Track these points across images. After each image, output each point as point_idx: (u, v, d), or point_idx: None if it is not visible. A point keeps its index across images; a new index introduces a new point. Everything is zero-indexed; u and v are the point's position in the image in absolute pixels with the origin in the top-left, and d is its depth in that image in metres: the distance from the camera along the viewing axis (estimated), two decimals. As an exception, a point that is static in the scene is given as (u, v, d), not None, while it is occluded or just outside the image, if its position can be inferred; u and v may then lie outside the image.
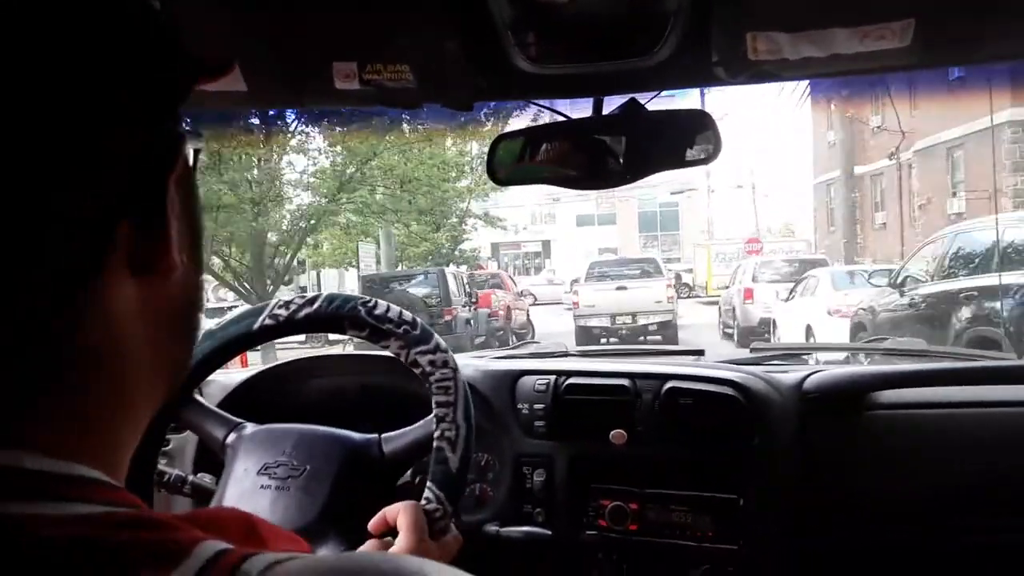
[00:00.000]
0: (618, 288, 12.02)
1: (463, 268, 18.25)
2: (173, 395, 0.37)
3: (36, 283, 0.28)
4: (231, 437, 0.90)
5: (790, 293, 9.87)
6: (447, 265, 18.74)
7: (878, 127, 16.20)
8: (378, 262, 14.99)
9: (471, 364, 1.20)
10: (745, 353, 1.46)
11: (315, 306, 0.90)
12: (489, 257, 32.47)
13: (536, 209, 32.34)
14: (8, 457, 0.27)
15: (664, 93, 1.16)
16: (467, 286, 12.02)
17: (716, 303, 14.37)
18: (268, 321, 0.91)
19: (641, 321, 11.52)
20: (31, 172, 0.27)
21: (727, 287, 13.27)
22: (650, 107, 1.13)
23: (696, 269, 23.08)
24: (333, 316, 0.89)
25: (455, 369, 0.85)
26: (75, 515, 0.26)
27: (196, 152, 0.37)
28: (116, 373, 0.31)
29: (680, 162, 1.15)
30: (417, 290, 10.96)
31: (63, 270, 0.28)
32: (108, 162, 0.29)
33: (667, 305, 11.84)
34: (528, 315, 15.18)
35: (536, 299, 22.18)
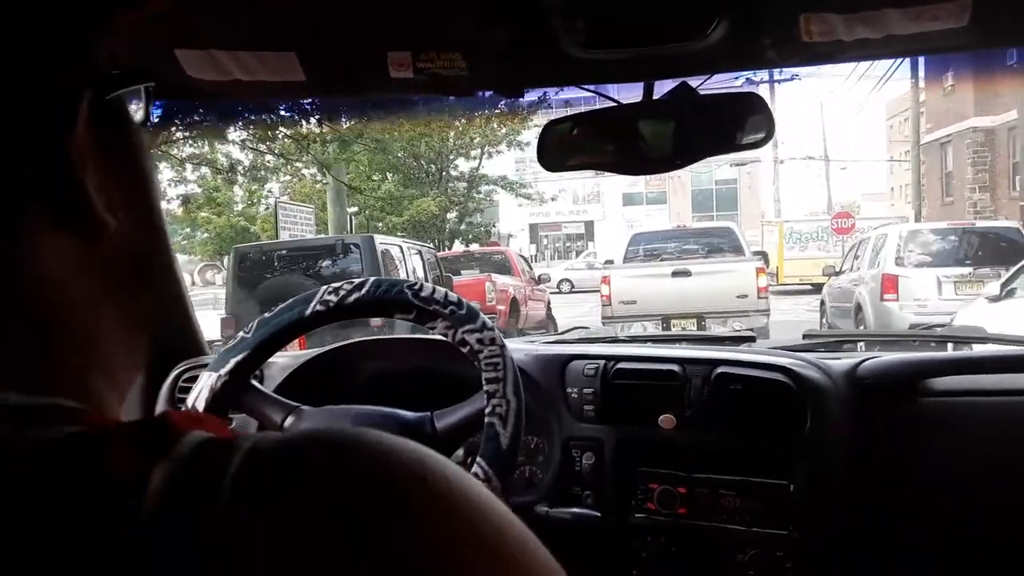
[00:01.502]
0: (675, 273, 8.22)
1: (457, 244, 15.38)
2: (146, 354, 0.40)
3: None
4: (289, 420, 0.98)
5: (1005, 287, 5.80)
6: (449, 242, 16.05)
7: (1013, 64, 12.46)
8: (326, 230, 12.13)
9: (521, 348, 1.27)
10: (798, 339, 1.52)
11: (363, 291, 0.97)
12: (529, 241, 32.33)
13: (579, 188, 32.07)
14: (44, 399, 0.30)
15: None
16: (437, 268, 8.88)
17: (796, 293, 11.31)
18: (319, 307, 0.98)
19: (714, 328, 7.58)
20: None
21: (836, 272, 9.56)
22: (701, 91, 1.20)
23: (767, 252, 19.98)
24: (381, 300, 0.97)
25: (503, 346, 0.91)
26: (59, 435, 0.28)
27: (147, 93, 0.37)
28: (70, 330, 0.33)
29: (732, 146, 1.21)
30: (329, 270, 7.54)
31: None
32: None
33: (757, 302, 7.98)
34: (549, 309, 11.83)
35: (573, 286, 20.49)
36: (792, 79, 17.78)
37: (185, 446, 0.27)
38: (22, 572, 0.24)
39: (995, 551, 1.11)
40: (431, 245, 10.58)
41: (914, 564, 1.13)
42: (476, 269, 11.23)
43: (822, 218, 19.72)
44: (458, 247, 14.93)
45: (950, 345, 1.65)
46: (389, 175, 16.00)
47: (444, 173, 16.63)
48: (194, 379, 1.04)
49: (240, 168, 12.03)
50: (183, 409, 0.99)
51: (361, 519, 0.25)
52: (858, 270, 8.87)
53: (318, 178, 12.48)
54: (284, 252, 8.13)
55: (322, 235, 11.23)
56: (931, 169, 18.05)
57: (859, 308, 8.31)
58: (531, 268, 12.71)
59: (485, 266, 11.34)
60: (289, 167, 13.23)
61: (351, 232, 12.46)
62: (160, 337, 1.25)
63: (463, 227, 17.07)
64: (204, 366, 1.06)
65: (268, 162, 12.40)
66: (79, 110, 0.32)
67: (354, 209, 15.00)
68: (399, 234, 13.83)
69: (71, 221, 0.32)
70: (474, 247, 14.74)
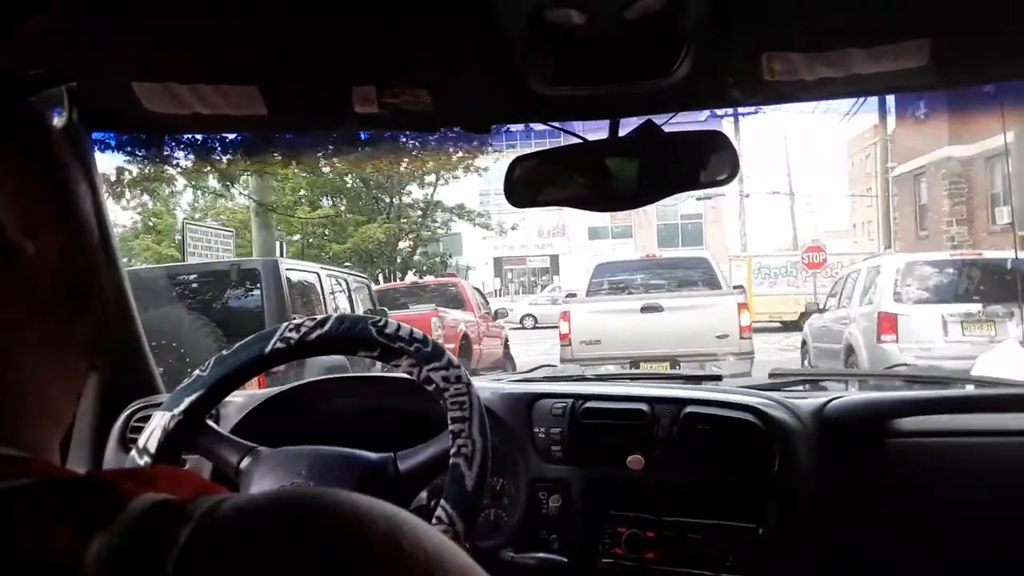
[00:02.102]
0: (645, 308, 7.48)
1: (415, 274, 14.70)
2: (85, 378, 0.38)
3: None
4: (245, 461, 0.95)
5: None
6: (401, 273, 15.36)
7: (988, 90, 12.18)
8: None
9: (487, 387, 1.25)
10: (764, 379, 1.55)
11: (326, 327, 0.96)
12: (493, 275, 32.39)
13: (544, 221, 32.32)
14: None
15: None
16: (370, 302, 8.04)
17: (766, 331, 9.89)
18: (279, 345, 0.97)
19: (687, 371, 5.01)
20: None
21: (820, 309, 8.98)
22: (667, 127, 1.23)
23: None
24: (344, 337, 0.96)
25: (468, 384, 0.91)
26: (5, 488, 0.27)
27: (71, 101, 0.35)
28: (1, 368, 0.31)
29: (696, 183, 1.23)
30: (218, 301, 6.30)
31: None
32: None
33: (740, 343, 7.24)
34: (507, 346, 11.14)
35: (537, 321, 20.06)
36: (756, 111, 18.25)
37: (131, 512, 0.25)
38: None
39: None
40: (363, 275, 9.62)
41: None
42: (427, 303, 10.18)
43: (792, 253, 19.46)
44: (412, 280, 14.33)
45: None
46: (331, 198, 15.43)
47: (395, 200, 16.16)
48: (146, 419, 1.02)
49: (161, 188, 11.65)
50: (133, 452, 0.97)
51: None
52: (846, 307, 8.08)
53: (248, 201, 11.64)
54: (163, 281, 6.44)
55: (217, 259, 9.74)
56: (904, 202, 17.61)
57: (851, 350, 7.42)
58: (487, 302, 12.01)
59: (436, 299, 10.43)
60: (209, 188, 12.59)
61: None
62: (111, 374, 1.22)
63: (417, 257, 16.47)
64: (157, 405, 1.04)
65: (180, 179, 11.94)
66: None
67: (296, 237, 14.45)
68: (346, 264, 13.08)
69: None
70: (428, 279, 14.02)
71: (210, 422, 1.03)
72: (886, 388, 1.68)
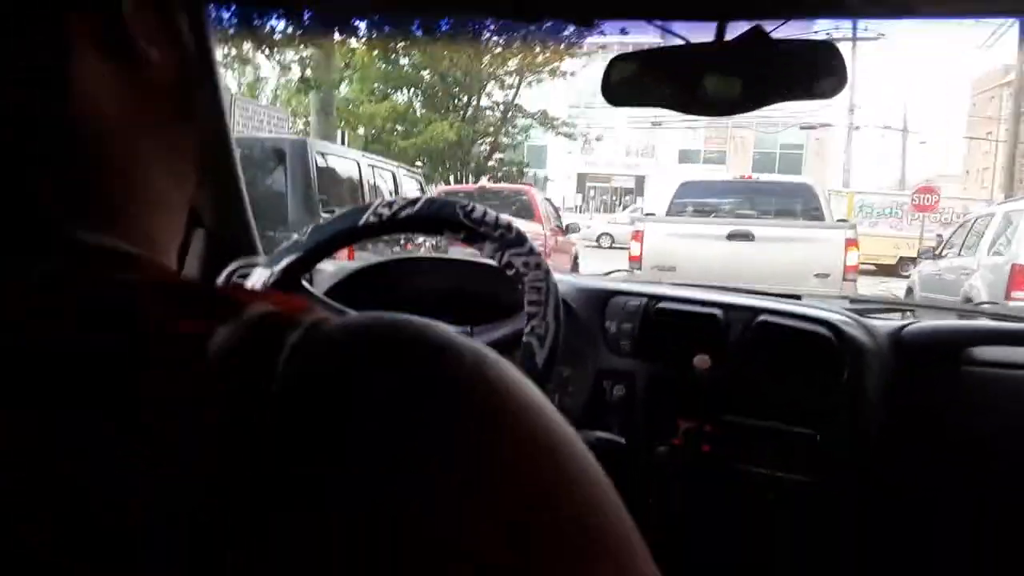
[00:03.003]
0: (732, 236, 6.64)
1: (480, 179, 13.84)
2: (197, 181, 0.42)
3: (16, 72, 0.32)
4: None
5: None
6: (474, 177, 14.70)
7: None
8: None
9: (566, 280, 1.31)
10: (844, 303, 1.58)
11: (416, 207, 1.02)
12: (575, 191, 31.94)
13: (632, 140, 31.53)
14: (82, 235, 0.32)
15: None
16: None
17: (861, 273, 8.39)
18: (371, 219, 1.04)
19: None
20: None
21: (935, 255, 8.07)
22: (775, 36, 1.23)
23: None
24: (432, 217, 1.02)
25: (548, 271, 0.96)
26: (133, 280, 0.30)
27: None
28: (119, 154, 0.35)
29: (801, 93, 1.25)
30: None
31: (38, 57, 0.32)
32: None
33: (843, 285, 6.28)
34: (575, 263, 10.57)
35: (614, 241, 19.44)
36: (877, 38, 17.10)
37: (249, 315, 0.28)
38: (86, 402, 0.26)
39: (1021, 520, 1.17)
40: (415, 170, 9.21)
41: (938, 526, 1.19)
42: (494, 209, 9.65)
43: (899, 192, 18.35)
44: (481, 184, 13.84)
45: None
46: (405, 91, 14.84)
47: (473, 100, 15.55)
48: (247, 276, 1.13)
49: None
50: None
51: (415, 415, 0.26)
52: (968, 255, 7.11)
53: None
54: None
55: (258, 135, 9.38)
56: None
57: (969, 304, 6.55)
58: (558, 215, 11.49)
59: (503, 207, 9.31)
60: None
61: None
62: (216, 232, 1.35)
63: (492, 163, 15.91)
64: (258, 265, 1.15)
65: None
66: None
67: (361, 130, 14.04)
68: (417, 164, 12.53)
69: (113, 47, 0.34)
70: (498, 185, 13.26)
71: (305, 284, 1.12)
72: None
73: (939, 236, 9.45)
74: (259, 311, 0.29)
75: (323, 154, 6.28)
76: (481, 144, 16.15)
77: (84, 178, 0.34)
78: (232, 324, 0.27)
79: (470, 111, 15.76)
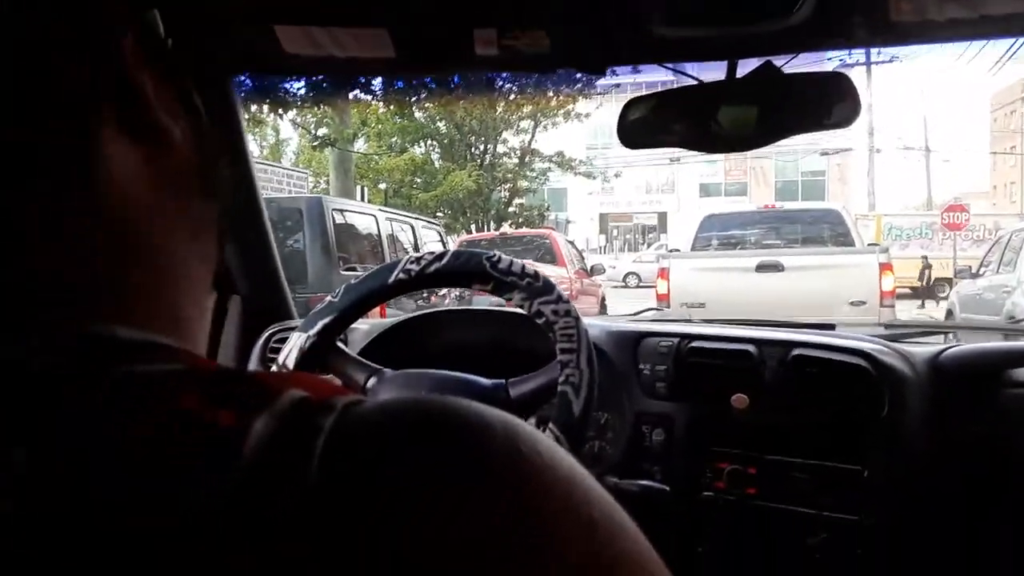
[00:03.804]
0: (761, 267, 6.58)
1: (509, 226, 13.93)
2: (219, 261, 0.42)
3: (44, 161, 0.32)
4: (371, 381, 1.06)
5: None
6: (495, 224, 14.85)
7: None
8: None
9: (595, 324, 1.32)
10: (880, 330, 1.57)
11: (443, 261, 1.04)
12: (598, 231, 32.00)
13: (652, 176, 31.66)
14: (104, 328, 0.32)
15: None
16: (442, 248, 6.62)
17: (899, 296, 8.35)
18: (401, 276, 1.06)
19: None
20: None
21: (973, 274, 7.97)
22: (786, 70, 1.25)
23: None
24: (460, 271, 1.04)
25: (577, 318, 0.97)
26: (165, 371, 0.30)
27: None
28: (145, 235, 0.35)
29: (815, 125, 1.26)
30: None
31: (65, 145, 0.32)
32: (74, 43, 0.32)
33: (881, 311, 6.12)
34: (603, 305, 10.48)
35: (640, 280, 19.43)
36: (891, 60, 17.15)
37: (283, 402, 0.29)
38: (129, 494, 0.26)
39: None
40: (434, 221, 9.26)
41: (989, 556, 1.16)
42: (516, 256, 9.59)
43: (927, 213, 18.04)
44: (502, 231, 13.89)
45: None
46: (423, 144, 15.05)
47: (489, 147, 15.68)
48: (284, 339, 1.16)
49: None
50: (274, 368, 1.10)
51: (453, 494, 0.26)
52: (1006, 272, 7.01)
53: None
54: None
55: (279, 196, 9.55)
56: None
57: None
58: (582, 257, 11.37)
59: (525, 252, 9.79)
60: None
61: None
62: (252, 298, 1.38)
63: (512, 209, 16.00)
64: (293, 328, 1.17)
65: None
66: (126, 15, 0.35)
67: (382, 185, 14.25)
68: (438, 215, 12.61)
69: (136, 127, 0.35)
70: (519, 231, 13.15)
71: (340, 344, 1.14)
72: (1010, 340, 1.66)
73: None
74: (292, 398, 0.29)
75: (340, 210, 6.40)
76: (500, 191, 16.29)
77: (113, 266, 0.34)
78: (267, 415, 0.28)
79: (487, 158, 15.99)
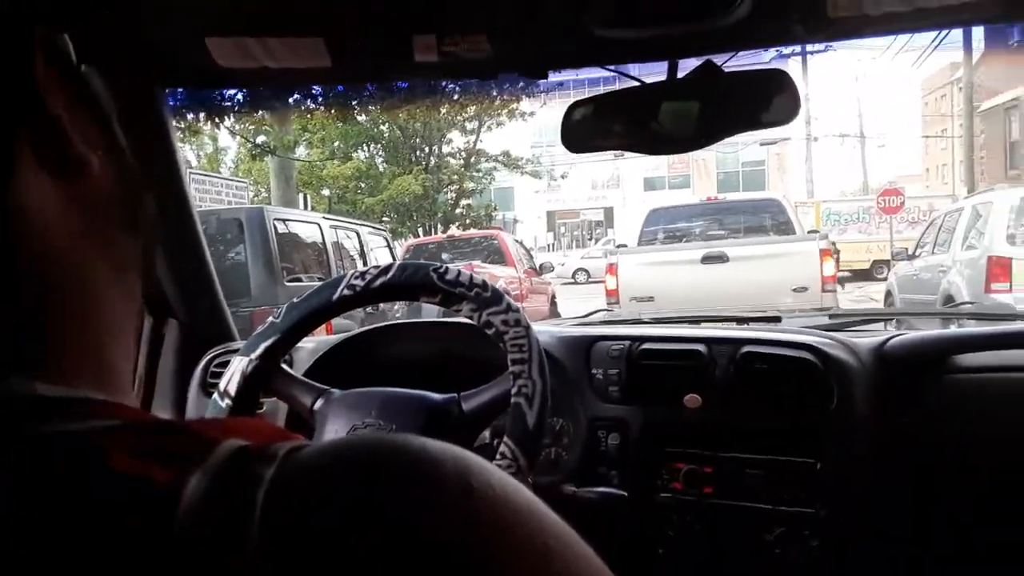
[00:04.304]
0: (707, 259, 6.73)
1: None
2: (141, 304, 0.40)
3: None
4: (319, 403, 1.02)
5: None
6: (443, 226, 14.72)
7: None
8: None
9: (546, 331, 1.31)
10: (824, 319, 1.60)
11: (389, 275, 1.02)
12: (546, 229, 32.21)
13: (598, 173, 31.92)
14: (21, 384, 0.30)
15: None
16: (389, 254, 7.70)
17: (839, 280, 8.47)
18: (346, 292, 1.03)
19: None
20: None
21: (909, 256, 8.22)
22: (727, 68, 1.26)
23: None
24: (407, 284, 1.01)
25: (527, 327, 0.96)
26: (89, 428, 0.28)
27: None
28: (65, 275, 0.33)
29: (756, 123, 1.27)
30: None
31: None
32: None
33: (822, 296, 6.32)
34: (553, 303, 10.50)
35: (590, 276, 19.48)
36: (826, 50, 17.61)
37: (220, 454, 0.28)
38: (58, 569, 0.24)
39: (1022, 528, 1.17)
40: (380, 227, 9.20)
41: (944, 542, 1.19)
42: (465, 257, 9.61)
43: (864, 197, 18.60)
44: (449, 234, 13.89)
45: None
46: (366, 149, 15.00)
47: (435, 149, 15.69)
48: (225, 364, 1.11)
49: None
50: (215, 395, 1.06)
51: (406, 535, 0.26)
52: (942, 252, 7.18)
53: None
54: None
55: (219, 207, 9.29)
56: (991, 140, 16.58)
57: (950, 301, 6.30)
58: (530, 256, 11.36)
59: (474, 254, 9.77)
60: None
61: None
62: (190, 323, 1.33)
63: (459, 211, 15.94)
64: (235, 351, 1.13)
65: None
66: (35, 41, 0.32)
67: (326, 191, 14.13)
68: (383, 219, 12.60)
69: (50, 157, 0.32)
70: (466, 232, 13.17)
71: (284, 366, 1.10)
72: (950, 326, 1.70)
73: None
74: (229, 449, 0.28)
75: (283, 220, 6.29)
76: (446, 193, 16.25)
77: (31, 313, 0.31)
78: (202, 470, 0.27)
79: (432, 161, 15.97)
